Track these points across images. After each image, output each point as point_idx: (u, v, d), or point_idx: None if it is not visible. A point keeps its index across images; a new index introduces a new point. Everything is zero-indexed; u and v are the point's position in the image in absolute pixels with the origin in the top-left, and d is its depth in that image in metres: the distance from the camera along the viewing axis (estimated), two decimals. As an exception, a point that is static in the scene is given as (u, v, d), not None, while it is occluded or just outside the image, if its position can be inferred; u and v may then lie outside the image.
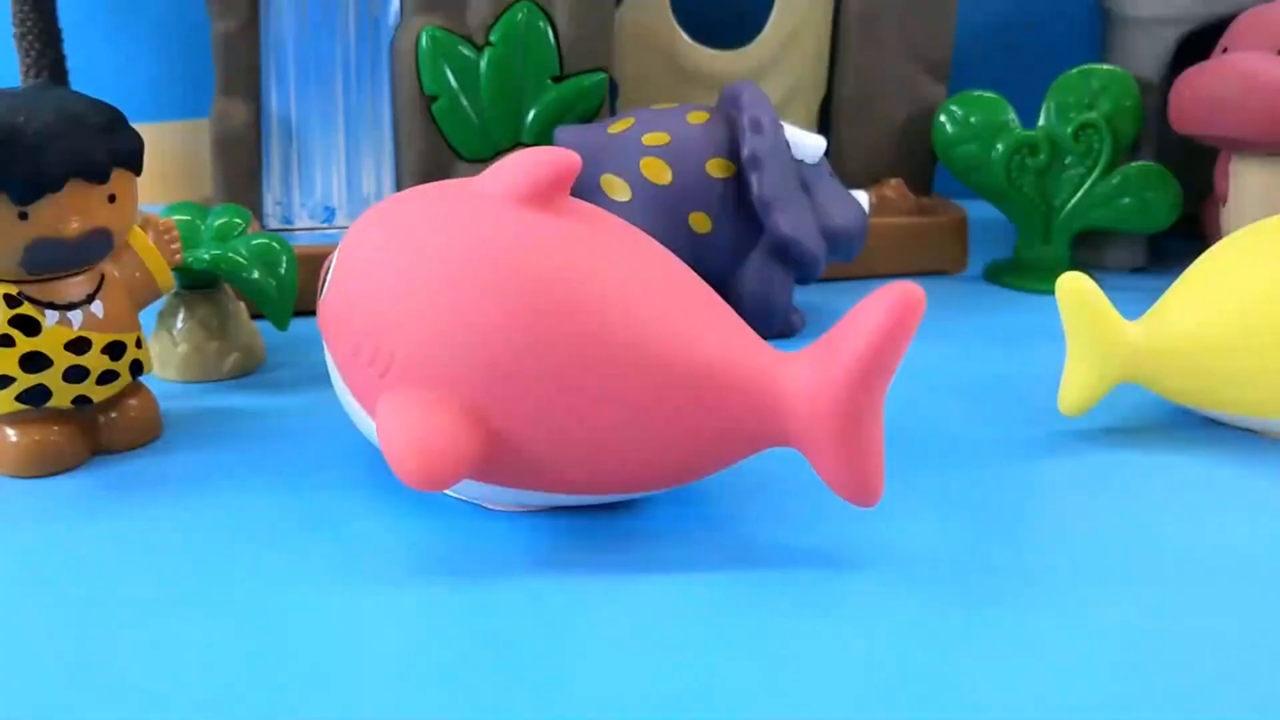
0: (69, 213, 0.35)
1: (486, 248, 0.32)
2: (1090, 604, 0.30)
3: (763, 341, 0.33)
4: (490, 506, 0.35)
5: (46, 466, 0.37)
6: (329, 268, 0.36)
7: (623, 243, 0.34)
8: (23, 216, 0.34)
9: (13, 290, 0.36)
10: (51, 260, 0.35)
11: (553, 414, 0.31)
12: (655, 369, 0.31)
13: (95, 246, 0.36)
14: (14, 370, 0.36)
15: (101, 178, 0.35)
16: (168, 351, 0.45)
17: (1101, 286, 0.40)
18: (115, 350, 0.38)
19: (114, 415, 0.39)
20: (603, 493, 0.33)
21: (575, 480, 0.32)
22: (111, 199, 0.36)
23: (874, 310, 0.29)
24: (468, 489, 0.34)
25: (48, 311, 0.36)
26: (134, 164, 0.36)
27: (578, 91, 0.55)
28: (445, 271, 0.32)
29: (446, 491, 0.35)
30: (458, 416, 0.31)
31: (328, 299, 0.35)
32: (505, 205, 0.33)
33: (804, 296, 0.55)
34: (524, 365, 0.31)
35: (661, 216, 0.48)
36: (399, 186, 0.57)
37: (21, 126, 0.34)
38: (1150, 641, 0.28)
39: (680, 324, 0.32)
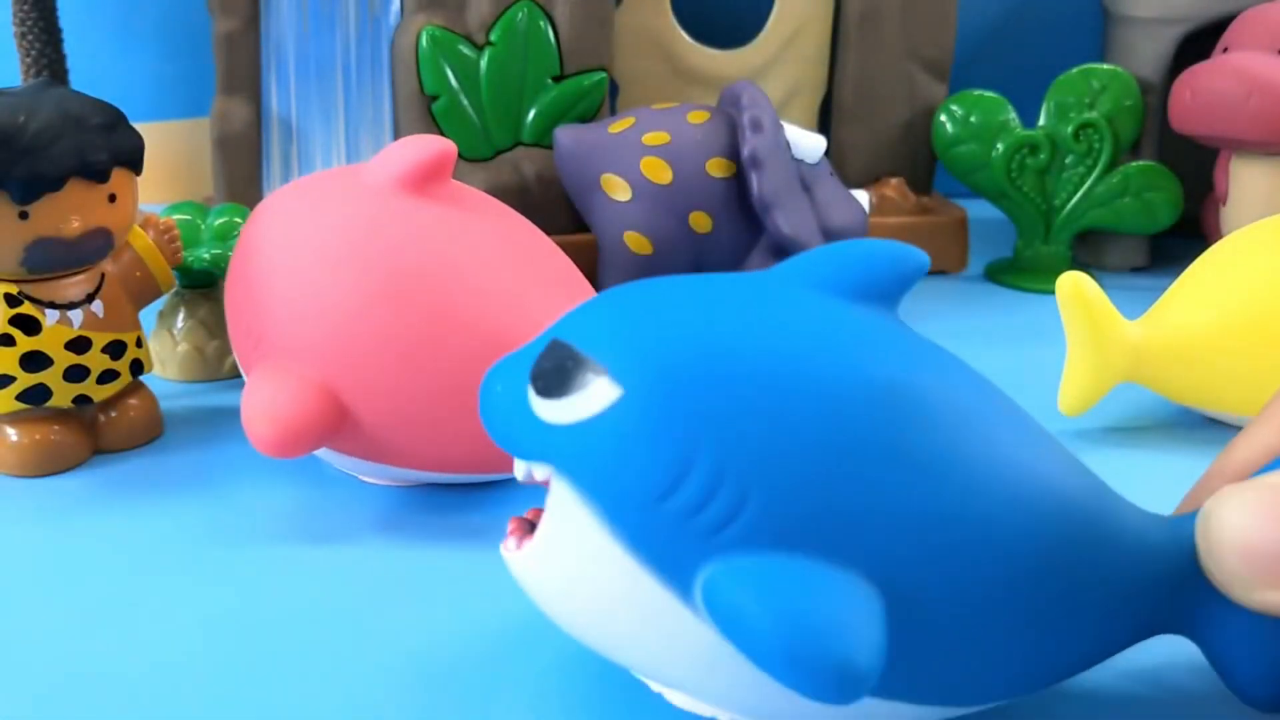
0: (69, 212, 0.35)
1: (350, 230, 0.33)
2: None
3: None
4: (367, 480, 0.36)
5: (46, 466, 0.37)
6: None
7: (490, 228, 0.35)
8: (23, 216, 0.34)
9: (13, 289, 0.36)
10: (52, 260, 0.36)
11: (404, 391, 0.32)
12: (500, 347, 0.31)
13: (96, 246, 0.36)
14: (14, 369, 0.36)
15: (102, 177, 0.35)
16: (168, 351, 0.45)
17: (1102, 286, 0.40)
18: (115, 349, 0.38)
19: (114, 414, 0.39)
20: (464, 471, 0.34)
21: (434, 458, 0.33)
22: (112, 198, 0.36)
23: None
24: (342, 462, 0.35)
25: (48, 311, 0.36)
26: (134, 163, 0.37)
27: (578, 91, 0.55)
28: (310, 252, 0.33)
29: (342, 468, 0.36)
30: (307, 389, 0.32)
31: (226, 282, 0.37)
32: (382, 191, 0.34)
33: (804, 296, 0.55)
34: (374, 342, 0.32)
35: (662, 216, 0.48)
36: (399, 186, 0.57)
37: (22, 126, 0.34)
38: (1149, 642, 0.28)
39: (533, 305, 0.33)
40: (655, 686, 0.25)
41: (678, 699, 0.24)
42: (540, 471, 0.23)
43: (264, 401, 0.32)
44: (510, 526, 0.25)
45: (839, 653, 0.19)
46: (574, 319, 0.24)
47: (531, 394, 0.23)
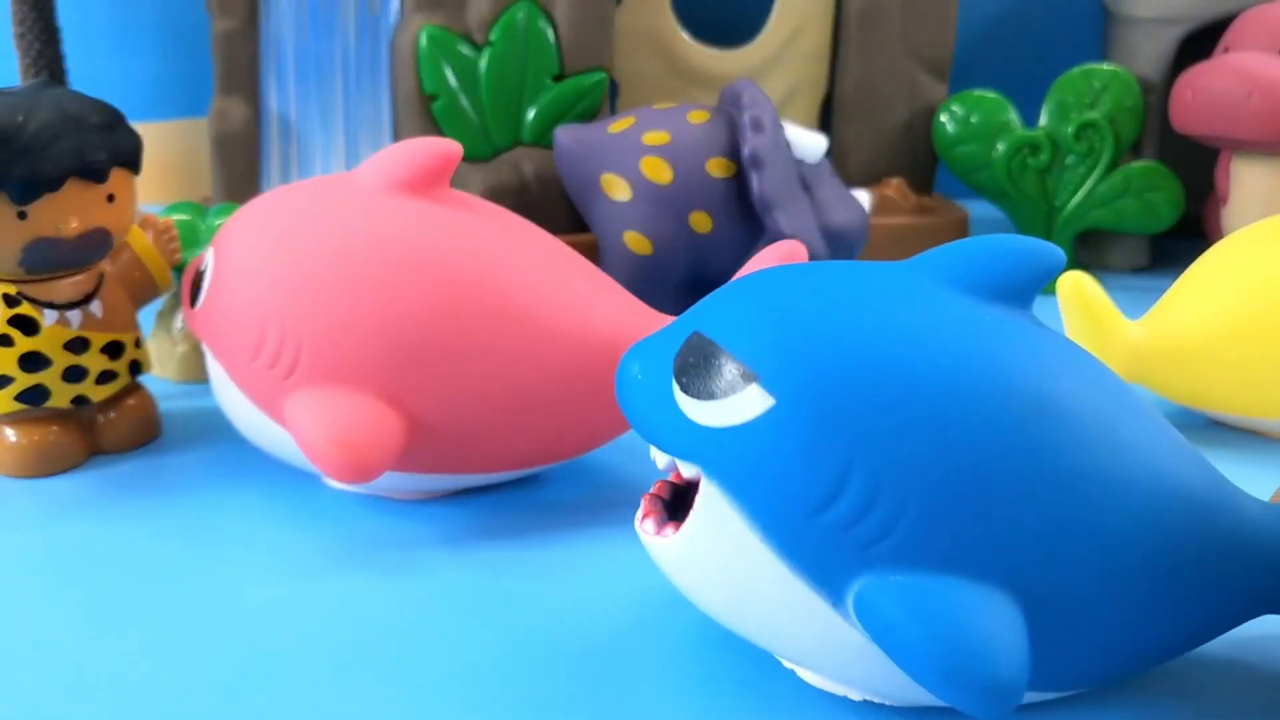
0: (68, 212, 0.35)
1: (385, 236, 0.32)
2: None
3: (651, 310, 0.34)
4: (394, 496, 0.35)
5: (46, 466, 0.37)
6: (203, 272, 0.35)
7: (508, 225, 0.34)
8: (21, 216, 0.34)
9: (12, 290, 0.36)
10: (50, 260, 0.35)
11: (469, 391, 0.32)
12: (557, 337, 0.32)
13: (94, 246, 0.36)
14: (13, 370, 0.36)
15: (100, 177, 0.35)
16: (166, 351, 0.45)
17: (1103, 286, 0.40)
18: (114, 350, 0.38)
19: (113, 415, 0.39)
20: (515, 467, 0.34)
21: (491, 456, 0.33)
22: (110, 199, 0.36)
23: (764, 264, 0.30)
24: (386, 482, 0.33)
25: (46, 311, 0.36)
26: (133, 163, 0.36)
27: (578, 91, 0.55)
28: (346, 263, 0.32)
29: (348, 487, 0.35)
30: (376, 404, 0.31)
31: (207, 305, 0.34)
32: (390, 195, 0.33)
33: (804, 296, 0.54)
34: (437, 346, 0.31)
35: (662, 216, 0.48)
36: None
37: (20, 126, 0.33)
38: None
39: (574, 295, 0.33)
40: (787, 664, 0.26)
41: (810, 677, 0.26)
42: (688, 470, 0.24)
43: (332, 426, 0.30)
44: (644, 505, 0.26)
45: (990, 672, 0.21)
46: (712, 311, 0.24)
47: (676, 389, 0.24)
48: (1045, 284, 0.25)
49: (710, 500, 0.23)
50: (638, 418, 0.25)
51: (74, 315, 0.37)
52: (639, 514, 0.26)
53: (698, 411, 0.23)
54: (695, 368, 0.23)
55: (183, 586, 0.31)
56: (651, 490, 0.26)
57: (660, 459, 0.25)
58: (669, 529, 0.25)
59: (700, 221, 0.49)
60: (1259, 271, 0.40)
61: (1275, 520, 0.25)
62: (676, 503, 0.26)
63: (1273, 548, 0.25)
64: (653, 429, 0.25)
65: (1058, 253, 0.25)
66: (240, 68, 0.55)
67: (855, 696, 0.26)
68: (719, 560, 0.24)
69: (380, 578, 0.31)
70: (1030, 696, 0.25)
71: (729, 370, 0.23)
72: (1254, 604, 0.26)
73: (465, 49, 0.54)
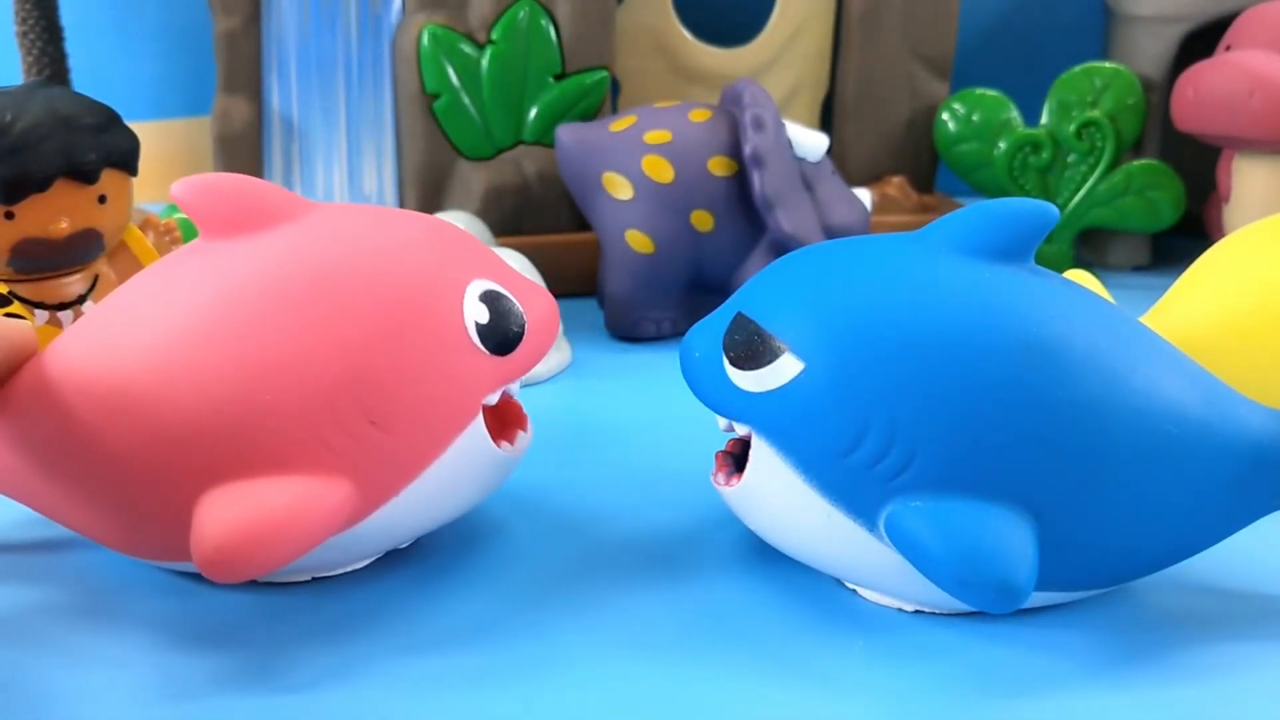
0: (57, 213, 0.34)
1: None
2: (1087, 601, 0.30)
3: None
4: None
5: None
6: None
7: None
8: (9, 216, 0.34)
9: (3, 289, 0.36)
10: (40, 260, 0.35)
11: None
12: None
13: (85, 247, 0.36)
14: (5, 370, 0.36)
15: (90, 178, 0.35)
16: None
17: (1104, 285, 0.40)
18: (112, 350, 0.38)
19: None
20: None
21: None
22: (102, 200, 0.35)
23: None
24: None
25: (37, 312, 0.36)
26: (127, 165, 0.36)
27: (579, 89, 0.55)
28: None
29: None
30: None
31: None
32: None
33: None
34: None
35: (664, 215, 0.48)
36: (400, 184, 0.57)
37: (8, 125, 0.33)
38: (1139, 639, 0.28)
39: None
40: (849, 585, 0.30)
41: (869, 595, 0.29)
42: (741, 429, 0.28)
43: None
44: (716, 462, 0.30)
45: (1000, 574, 0.25)
46: (751, 293, 0.29)
47: (726, 363, 0.28)
48: (1041, 238, 0.28)
49: (761, 452, 0.28)
50: (699, 389, 0.29)
51: (66, 316, 0.36)
52: (713, 469, 0.30)
53: (744, 380, 0.28)
54: (740, 344, 0.28)
55: (180, 589, 0.31)
56: (724, 449, 0.31)
57: (721, 422, 0.29)
58: (735, 479, 0.29)
59: (702, 220, 0.49)
60: (1261, 270, 0.39)
61: (1273, 425, 0.27)
62: (742, 458, 0.29)
63: (1272, 452, 0.27)
64: (711, 398, 0.29)
65: (1049, 209, 0.27)
66: (242, 67, 0.55)
67: (908, 609, 0.29)
68: (775, 501, 0.28)
69: (380, 576, 0.31)
70: (1043, 598, 0.28)
71: (766, 343, 0.27)
72: (1259, 505, 0.28)
73: (467, 48, 0.54)
